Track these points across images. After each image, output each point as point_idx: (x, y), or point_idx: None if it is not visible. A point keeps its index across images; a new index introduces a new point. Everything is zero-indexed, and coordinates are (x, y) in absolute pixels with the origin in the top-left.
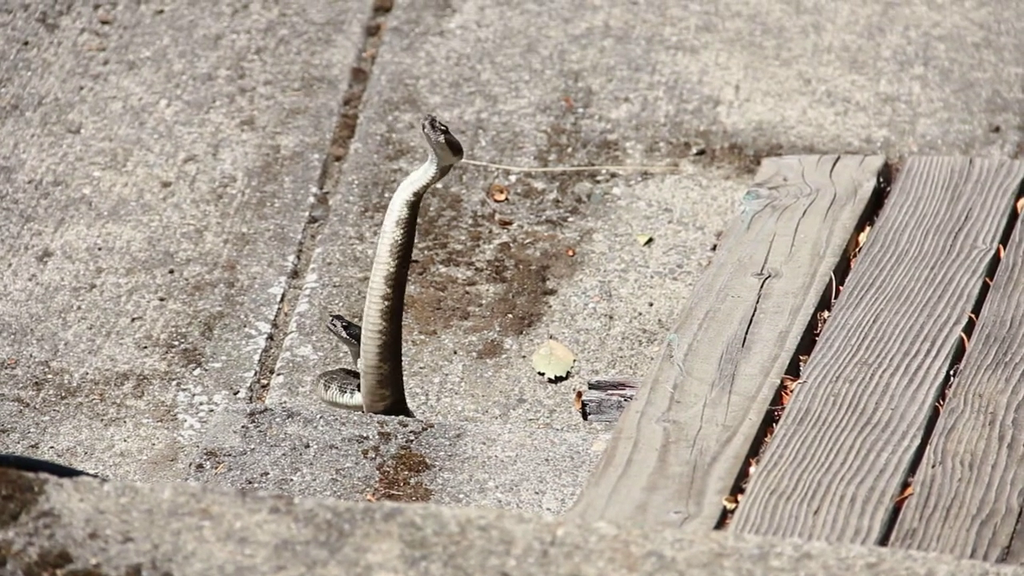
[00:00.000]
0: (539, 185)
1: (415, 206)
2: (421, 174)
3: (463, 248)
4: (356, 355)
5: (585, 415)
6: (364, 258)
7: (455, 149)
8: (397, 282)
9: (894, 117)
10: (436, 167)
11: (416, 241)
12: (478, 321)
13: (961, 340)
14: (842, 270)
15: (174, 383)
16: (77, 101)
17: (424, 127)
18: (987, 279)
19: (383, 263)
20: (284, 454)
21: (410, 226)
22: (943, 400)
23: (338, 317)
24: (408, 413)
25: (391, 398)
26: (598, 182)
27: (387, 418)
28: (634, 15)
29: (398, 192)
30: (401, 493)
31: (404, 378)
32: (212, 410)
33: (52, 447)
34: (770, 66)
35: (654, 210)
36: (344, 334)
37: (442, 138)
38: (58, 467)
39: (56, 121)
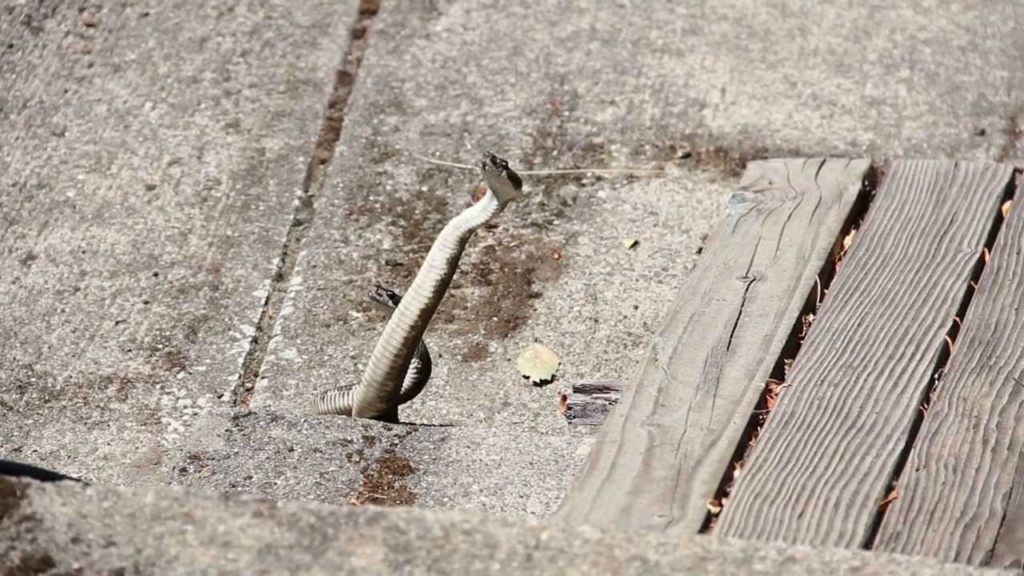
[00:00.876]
0: (524, 188)
1: (465, 242)
2: (480, 211)
3: None
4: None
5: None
6: (349, 261)
7: (516, 183)
8: (429, 314)
9: (880, 120)
10: (498, 202)
11: (401, 244)
12: (463, 324)
13: (946, 344)
14: (827, 274)
15: (158, 386)
16: (62, 104)
17: (485, 166)
18: (972, 283)
19: (424, 296)
20: (268, 458)
21: (456, 263)
22: (927, 404)
23: (379, 286)
24: (394, 420)
25: (384, 410)
26: (583, 185)
27: (371, 422)
28: (620, 18)
29: (452, 228)
30: (385, 497)
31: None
32: (196, 413)
33: (35, 451)
34: (756, 69)
35: (639, 213)
36: (392, 303)
37: (504, 173)
38: (41, 471)
39: (40, 124)
